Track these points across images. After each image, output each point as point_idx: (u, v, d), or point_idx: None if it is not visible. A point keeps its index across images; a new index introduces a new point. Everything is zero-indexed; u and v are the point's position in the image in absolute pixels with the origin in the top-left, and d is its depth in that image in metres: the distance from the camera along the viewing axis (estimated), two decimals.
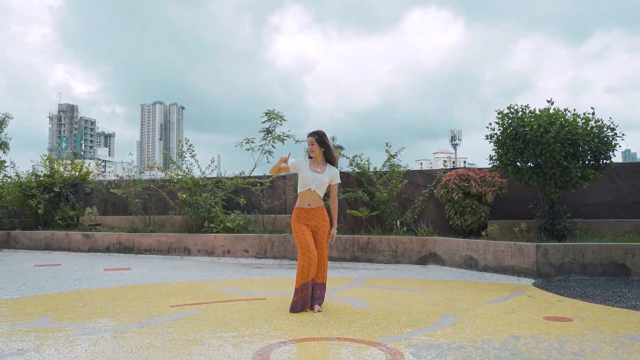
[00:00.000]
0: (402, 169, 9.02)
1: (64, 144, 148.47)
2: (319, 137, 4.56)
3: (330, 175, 4.59)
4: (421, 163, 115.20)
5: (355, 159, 9.31)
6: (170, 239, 9.61)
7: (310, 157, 4.63)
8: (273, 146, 10.27)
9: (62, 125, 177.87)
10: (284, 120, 10.23)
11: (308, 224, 4.54)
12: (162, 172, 10.67)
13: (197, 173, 10.42)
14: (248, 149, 10.18)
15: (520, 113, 7.05)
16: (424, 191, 9.08)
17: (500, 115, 7.15)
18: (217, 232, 9.38)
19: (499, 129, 7.24)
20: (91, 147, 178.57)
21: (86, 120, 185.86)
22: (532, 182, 7.00)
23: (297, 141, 10.01)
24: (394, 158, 9.01)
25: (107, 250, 10.12)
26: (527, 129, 6.70)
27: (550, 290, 5.63)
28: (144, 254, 9.76)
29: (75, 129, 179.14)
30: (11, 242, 11.20)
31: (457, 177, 8.16)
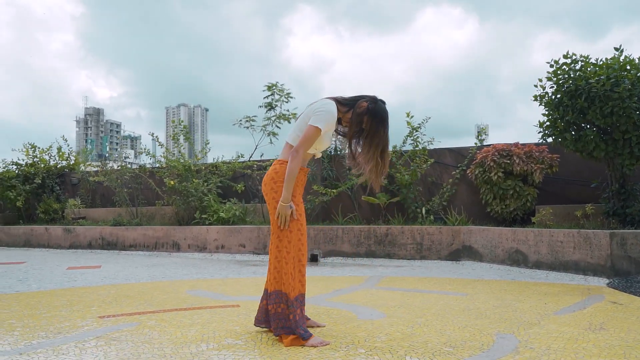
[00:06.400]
0: (426, 144, 7.47)
1: (89, 147, 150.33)
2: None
3: None
4: None
5: None
6: (157, 233, 8.28)
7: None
8: (278, 126, 8.84)
9: (89, 129, 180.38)
10: (291, 97, 8.78)
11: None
12: (152, 157, 9.36)
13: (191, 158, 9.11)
14: (247, 127, 8.77)
15: (580, 64, 5.46)
16: (454, 172, 7.53)
17: (553, 68, 5.57)
18: (209, 224, 8.01)
19: (551, 87, 5.66)
20: (117, 150, 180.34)
21: (112, 123, 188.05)
22: (599, 153, 5.40)
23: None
24: (416, 132, 7.47)
25: (89, 246, 8.85)
26: (592, 81, 5.12)
27: (637, 293, 4.06)
28: (129, 249, 8.46)
29: (102, 132, 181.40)
30: None
31: (496, 153, 6.60)
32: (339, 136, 2.95)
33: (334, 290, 4.39)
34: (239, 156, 9.14)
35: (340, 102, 2.74)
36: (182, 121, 9.57)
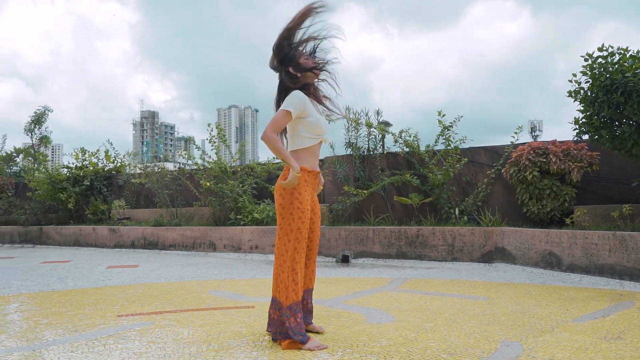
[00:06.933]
0: (459, 143, 7.30)
1: (145, 148, 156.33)
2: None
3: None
4: None
5: (402, 134, 7.70)
6: (195, 233, 8.52)
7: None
8: None
9: (144, 131, 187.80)
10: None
11: (312, 199, 2.85)
12: (189, 159, 9.63)
13: (228, 160, 9.33)
14: None
15: (617, 57, 5.19)
16: (489, 172, 7.32)
17: (588, 62, 5.31)
18: (244, 225, 8.16)
19: (586, 81, 5.40)
20: (171, 151, 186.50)
21: (166, 126, 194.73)
22: (637, 150, 5.11)
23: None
24: (448, 130, 7.31)
25: (132, 245, 9.22)
26: (628, 74, 4.85)
27: None
28: (169, 249, 8.75)
29: (157, 134, 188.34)
30: (43, 237, 10.65)
31: (532, 152, 6.37)
32: (329, 110, 2.97)
33: (354, 292, 4.38)
34: (274, 157, 9.27)
35: (294, 87, 2.80)
36: (219, 124, 9.80)
